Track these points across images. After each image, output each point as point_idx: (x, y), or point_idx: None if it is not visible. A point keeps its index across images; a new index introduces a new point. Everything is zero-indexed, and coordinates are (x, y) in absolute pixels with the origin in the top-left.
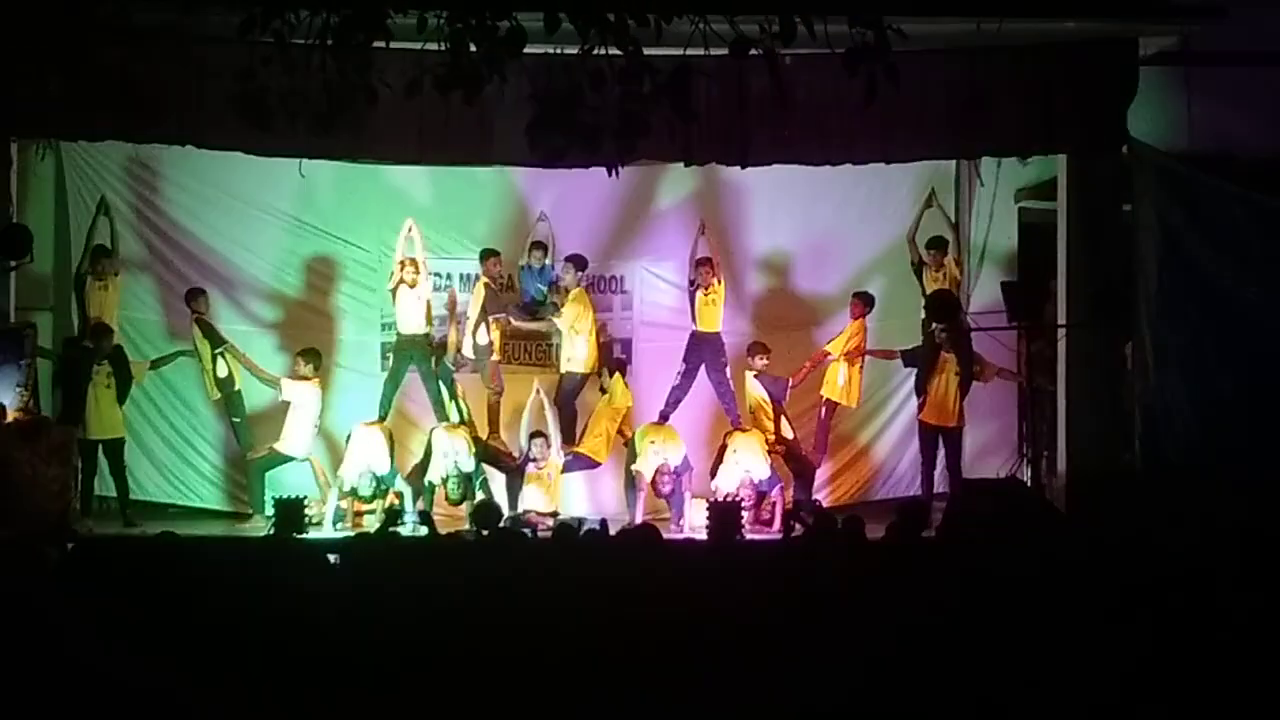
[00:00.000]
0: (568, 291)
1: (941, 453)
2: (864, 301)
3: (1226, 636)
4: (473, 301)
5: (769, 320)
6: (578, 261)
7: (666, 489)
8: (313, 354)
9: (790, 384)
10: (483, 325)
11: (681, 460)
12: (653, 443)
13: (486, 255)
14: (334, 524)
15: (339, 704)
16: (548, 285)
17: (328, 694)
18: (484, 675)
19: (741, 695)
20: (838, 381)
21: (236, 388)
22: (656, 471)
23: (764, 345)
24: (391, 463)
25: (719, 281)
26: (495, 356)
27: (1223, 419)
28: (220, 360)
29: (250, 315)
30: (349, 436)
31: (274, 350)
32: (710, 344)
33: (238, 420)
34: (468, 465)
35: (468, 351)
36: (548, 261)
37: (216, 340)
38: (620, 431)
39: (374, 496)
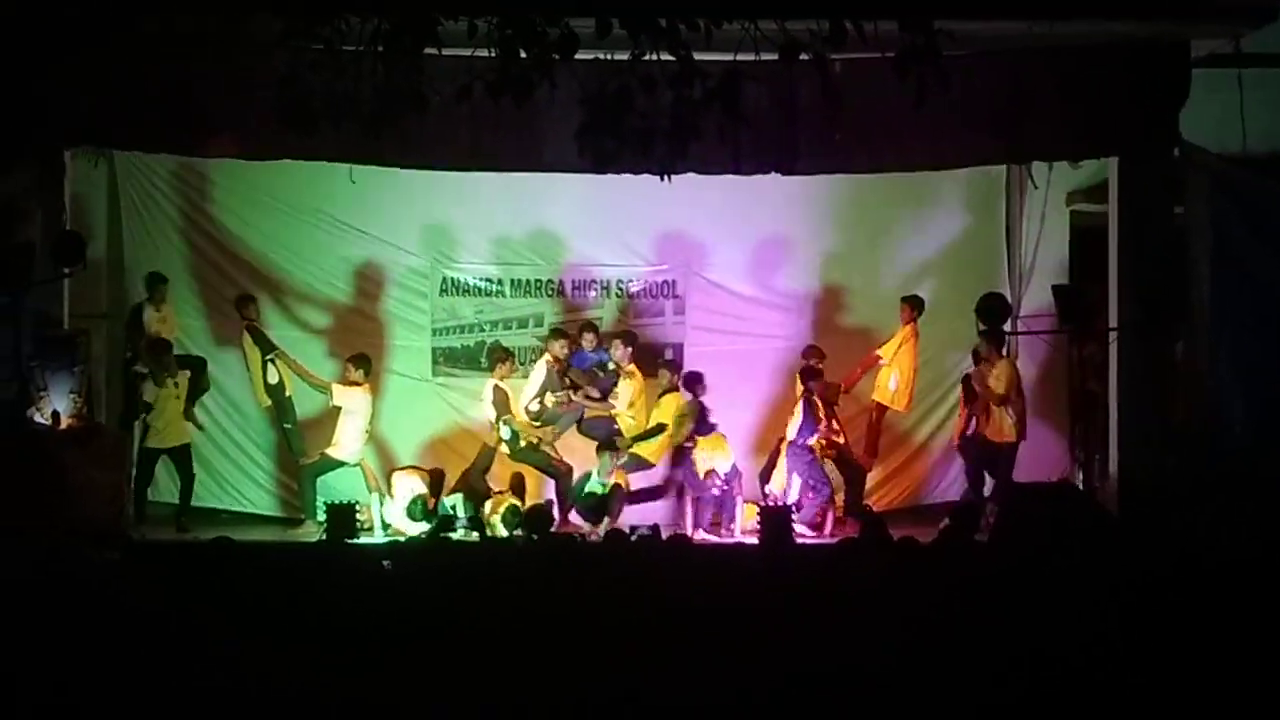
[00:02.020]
0: (619, 368)
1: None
2: (913, 305)
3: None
4: (532, 378)
5: (824, 323)
6: (626, 338)
7: (716, 494)
8: (363, 359)
9: (842, 388)
10: (537, 400)
11: (730, 467)
12: (702, 450)
13: (555, 335)
14: (384, 529)
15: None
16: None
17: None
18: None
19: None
20: (889, 385)
21: (287, 394)
22: (705, 476)
23: (819, 349)
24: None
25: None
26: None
27: (1272, 425)
28: (270, 367)
29: (300, 321)
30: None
31: (324, 356)
32: None
33: (289, 426)
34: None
35: (523, 415)
36: (596, 346)
37: (267, 347)
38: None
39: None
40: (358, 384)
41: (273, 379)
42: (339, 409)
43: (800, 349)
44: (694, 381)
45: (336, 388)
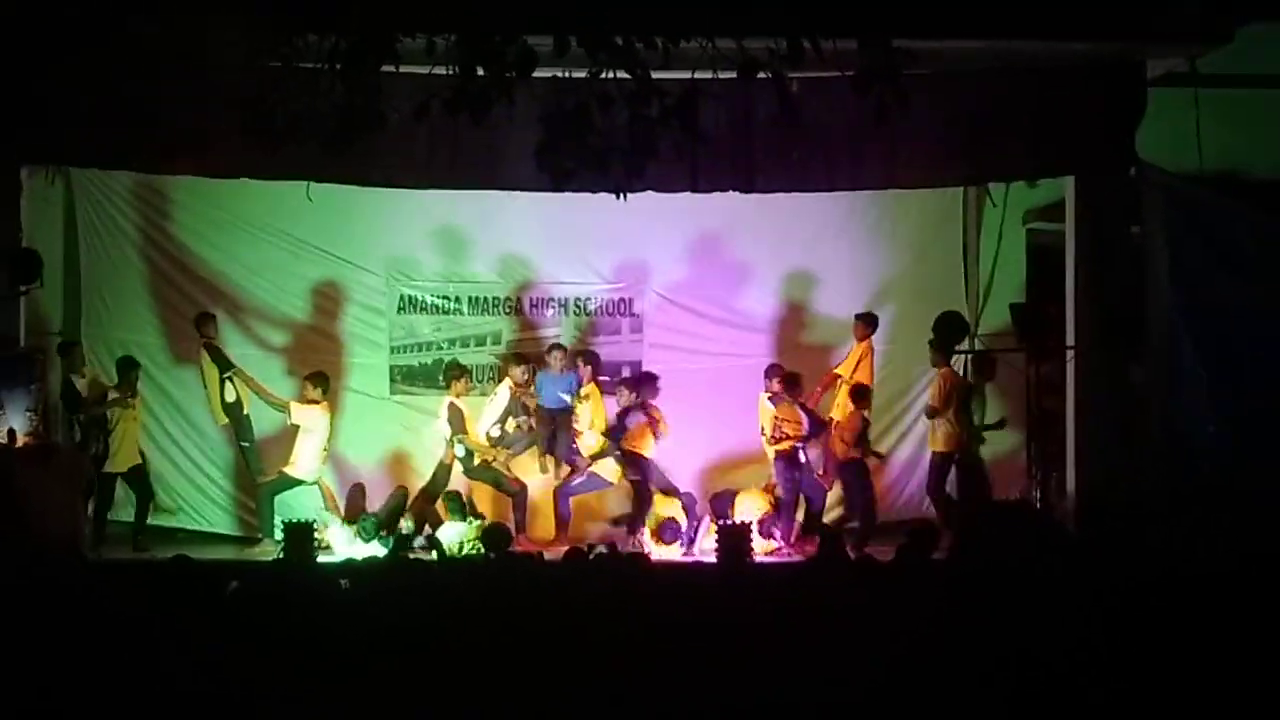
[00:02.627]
0: (581, 386)
1: (953, 477)
2: (867, 322)
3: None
4: (492, 404)
5: (785, 342)
6: (587, 357)
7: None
8: (321, 378)
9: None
10: (498, 426)
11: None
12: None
13: (515, 360)
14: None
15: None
16: (570, 392)
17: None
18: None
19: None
20: (847, 403)
21: (245, 412)
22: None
23: (780, 368)
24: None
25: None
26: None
27: (1239, 440)
28: (228, 385)
29: (258, 339)
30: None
31: (282, 374)
32: None
33: (246, 445)
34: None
35: (482, 439)
36: (566, 368)
37: (225, 365)
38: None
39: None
40: (316, 402)
41: (230, 397)
42: (297, 427)
43: (759, 368)
44: (645, 381)
45: (294, 406)
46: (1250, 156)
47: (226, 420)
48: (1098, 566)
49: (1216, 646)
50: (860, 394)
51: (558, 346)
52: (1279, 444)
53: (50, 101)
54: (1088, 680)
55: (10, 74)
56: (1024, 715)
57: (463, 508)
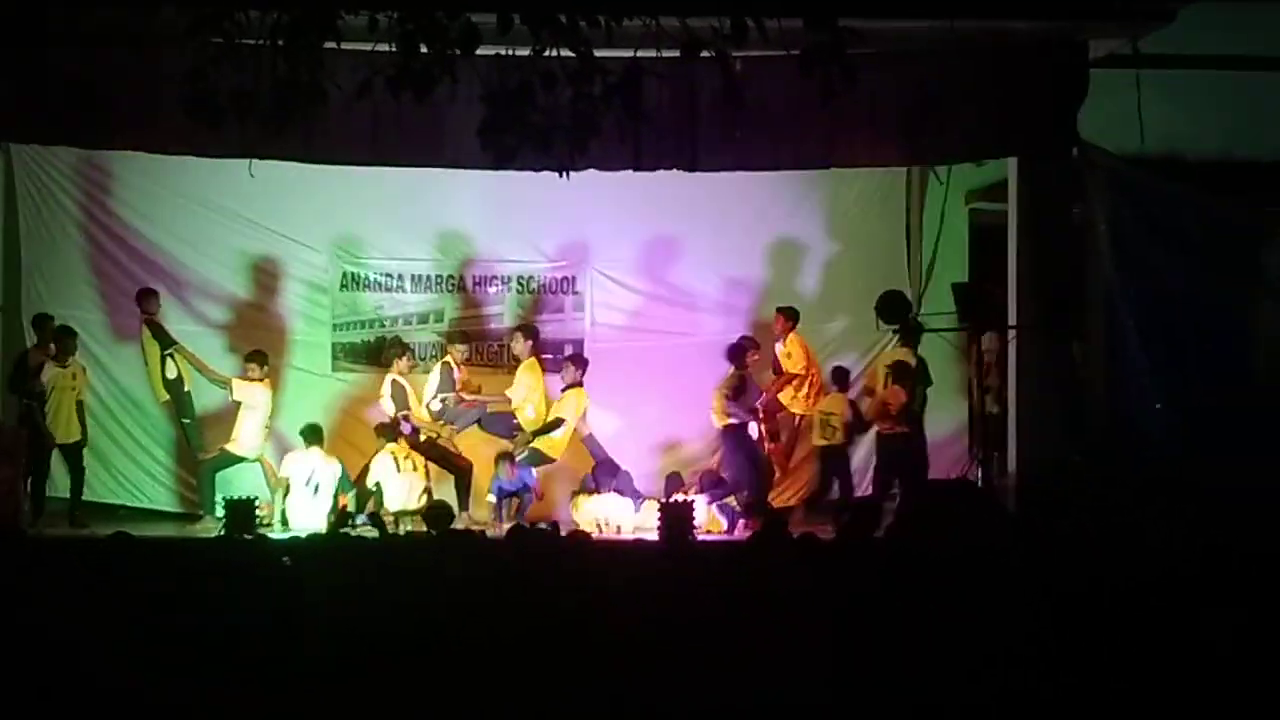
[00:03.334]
0: (518, 360)
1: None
2: (787, 316)
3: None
4: (431, 379)
5: (727, 321)
6: (527, 331)
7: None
8: (261, 355)
9: (761, 397)
10: (438, 399)
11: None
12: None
13: (460, 338)
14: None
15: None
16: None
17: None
18: (436, 667)
19: (690, 690)
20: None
21: (186, 389)
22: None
23: (754, 341)
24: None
25: None
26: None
27: (1187, 428)
28: (169, 361)
29: (200, 315)
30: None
31: (224, 351)
32: None
33: (187, 421)
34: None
35: (425, 415)
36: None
37: (166, 341)
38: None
39: None
40: (257, 380)
41: (170, 374)
42: (239, 405)
43: (702, 345)
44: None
45: (236, 383)
46: (1192, 138)
47: (167, 397)
48: (1037, 547)
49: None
50: (902, 371)
51: (525, 329)
52: (1228, 432)
53: None
54: (1029, 658)
55: None
56: (966, 693)
57: (320, 439)
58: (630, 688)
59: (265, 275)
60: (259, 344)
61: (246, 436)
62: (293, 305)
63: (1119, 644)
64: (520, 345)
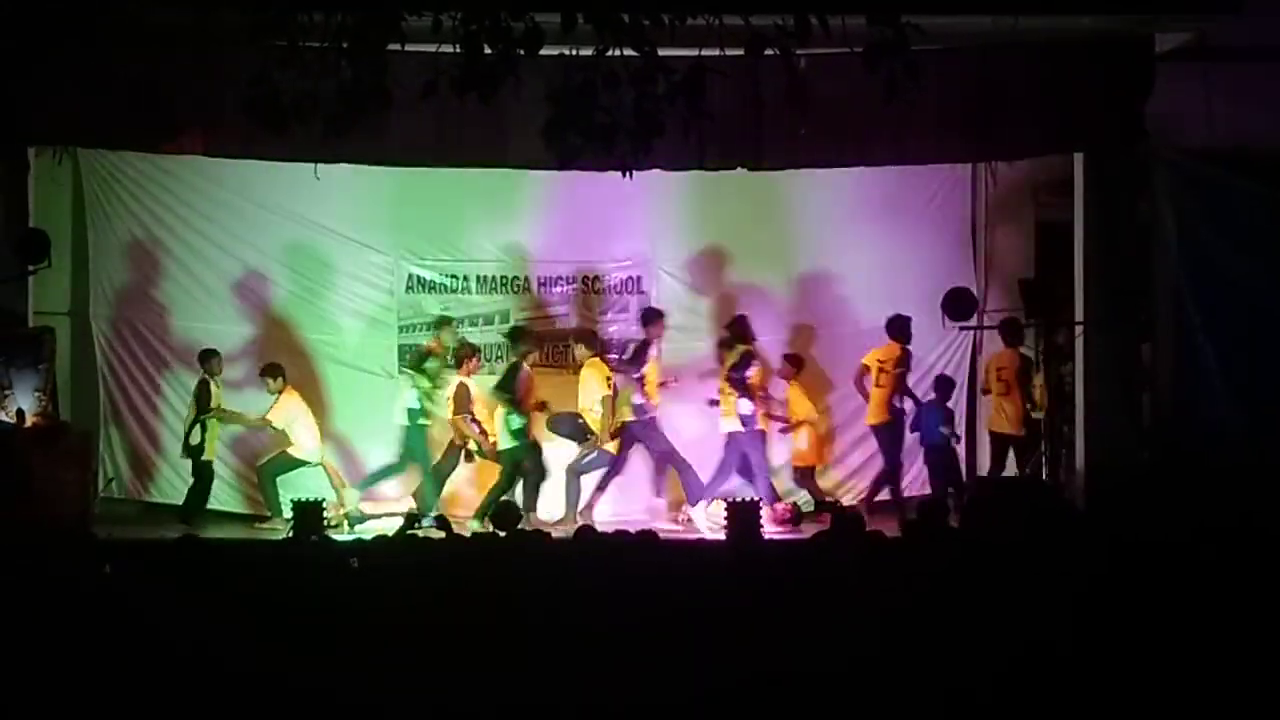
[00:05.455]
0: (580, 364)
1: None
2: (792, 363)
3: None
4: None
5: (794, 320)
6: (589, 341)
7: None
8: (275, 368)
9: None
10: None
11: None
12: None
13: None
14: (351, 526)
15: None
16: None
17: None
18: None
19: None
20: (800, 446)
21: (204, 458)
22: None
23: (798, 358)
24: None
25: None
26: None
27: (1247, 415)
28: (196, 429)
29: (259, 319)
30: None
31: (280, 351)
32: None
33: (193, 484)
34: None
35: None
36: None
37: (204, 408)
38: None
39: None
40: (278, 391)
41: (194, 440)
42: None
43: (773, 346)
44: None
45: (271, 415)
46: (1260, 132)
47: (185, 456)
48: (1104, 543)
49: (1216, 626)
50: (1013, 329)
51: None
52: None
53: (56, 82)
54: (1089, 657)
55: (15, 55)
56: (1026, 689)
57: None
58: (701, 678)
59: (328, 277)
60: (318, 347)
61: (303, 441)
62: (357, 307)
63: (1192, 641)
64: (582, 352)
